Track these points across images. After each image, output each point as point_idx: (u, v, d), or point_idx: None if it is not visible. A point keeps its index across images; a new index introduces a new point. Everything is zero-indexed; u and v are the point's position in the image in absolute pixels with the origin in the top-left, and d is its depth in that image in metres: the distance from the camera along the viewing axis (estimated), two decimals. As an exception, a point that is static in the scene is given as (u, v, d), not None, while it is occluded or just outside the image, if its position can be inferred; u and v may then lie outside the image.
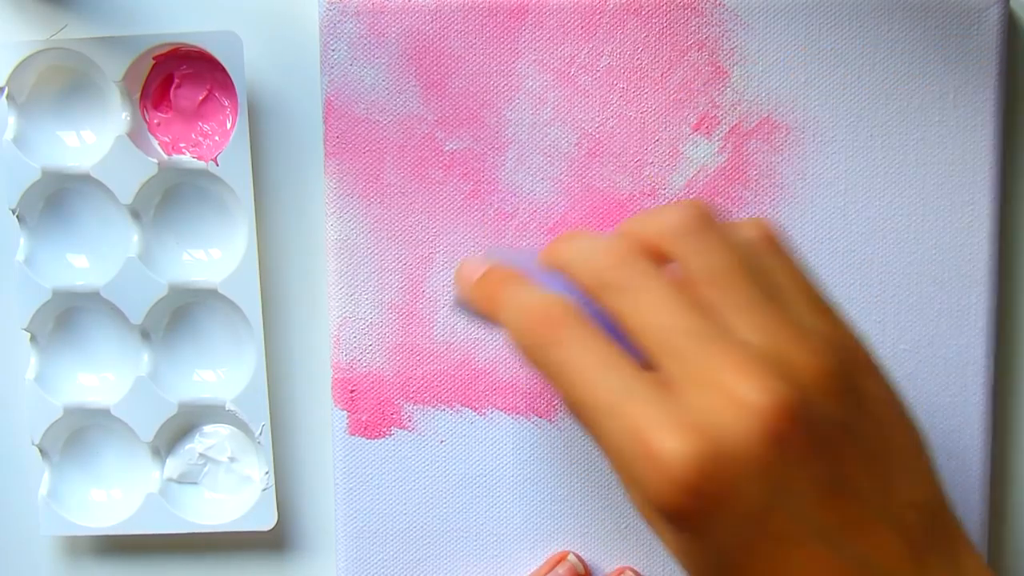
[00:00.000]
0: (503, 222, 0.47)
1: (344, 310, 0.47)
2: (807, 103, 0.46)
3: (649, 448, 0.30)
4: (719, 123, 0.46)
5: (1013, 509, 0.49)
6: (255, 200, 0.47)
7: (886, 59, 0.46)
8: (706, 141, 0.46)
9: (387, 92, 0.46)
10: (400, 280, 0.47)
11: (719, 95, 0.46)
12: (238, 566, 0.50)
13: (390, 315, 0.47)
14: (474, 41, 0.46)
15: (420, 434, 0.47)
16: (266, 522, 0.48)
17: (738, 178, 0.46)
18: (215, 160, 0.47)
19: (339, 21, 0.46)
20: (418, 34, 0.46)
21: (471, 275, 0.37)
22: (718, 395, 0.30)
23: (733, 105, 0.46)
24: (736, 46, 0.46)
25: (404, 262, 0.47)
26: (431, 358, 0.47)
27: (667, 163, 0.46)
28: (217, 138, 0.48)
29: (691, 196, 0.46)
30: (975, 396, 0.47)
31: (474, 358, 0.47)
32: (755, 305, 0.32)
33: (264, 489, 0.48)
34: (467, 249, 0.47)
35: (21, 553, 0.50)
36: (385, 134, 0.47)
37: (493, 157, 0.47)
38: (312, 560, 0.50)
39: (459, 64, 0.46)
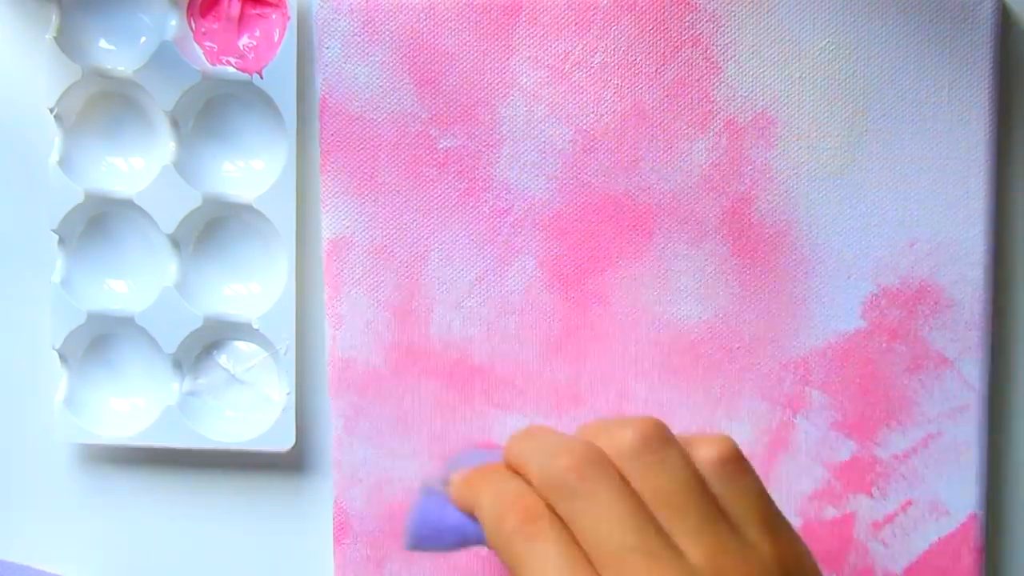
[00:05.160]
0: (498, 219, 0.47)
1: (340, 307, 0.47)
2: (801, 98, 0.46)
3: None
4: (713, 118, 0.46)
5: (1011, 507, 0.49)
6: (298, 116, 0.47)
7: (880, 54, 0.46)
8: (701, 136, 0.46)
9: (381, 90, 0.46)
10: (395, 278, 0.47)
11: (713, 90, 0.46)
12: (254, 485, 0.50)
13: (385, 313, 0.47)
14: (468, 38, 0.46)
15: (417, 432, 0.47)
16: (284, 443, 0.48)
17: (733, 173, 0.46)
18: (260, 73, 0.47)
19: (333, 19, 0.46)
20: (412, 31, 0.46)
21: (457, 479, 0.38)
22: None
23: (727, 100, 0.46)
24: (730, 42, 0.46)
25: (399, 259, 0.47)
26: (427, 356, 0.47)
27: (662, 159, 0.46)
28: (264, 51, 0.47)
29: (687, 191, 0.46)
30: (972, 391, 0.47)
31: (471, 355, 0.47)
32: (703, 528, 0.34)
33: (284, 409, 0.48)
34: (462, 246, 0.47)
35: (37, 459, 0.50)
36: (380, 132, 0.47)
37: (488, 154, 0.47)
38: (327, 483, 0.49)
39: (453, 61, 0.46)
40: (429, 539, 0.38)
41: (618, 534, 0.33)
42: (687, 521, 0.33)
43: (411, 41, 0.46)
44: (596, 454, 0.34)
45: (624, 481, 0.34)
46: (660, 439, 0.35)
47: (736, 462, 0.36)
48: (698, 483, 0.34)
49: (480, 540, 0.36)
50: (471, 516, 0.36)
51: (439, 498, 0.38)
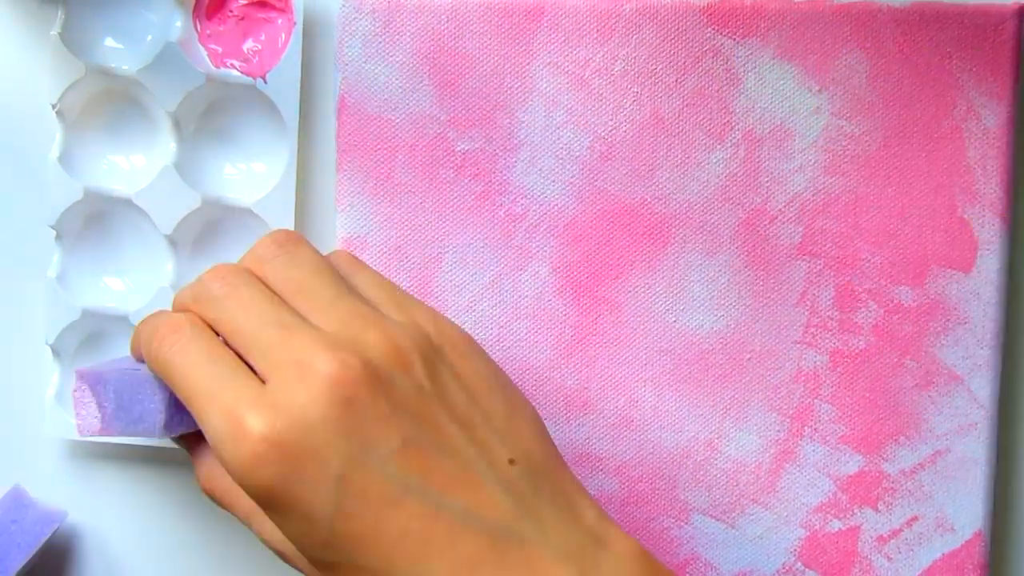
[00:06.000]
0: (513, 224, 0.47)
1: (352, 307, 0.47)
2: (819, 111, 0.46)
3: (238, 427, 0.33)
4: (732, 129, 0.46)
5: (1016, 526, 0.49)
6: (300, 122, 0.47)
7: (900, 69, 0.46)
8: (719, 146, 0.46)
9: (401, 91, 0.46)
10: (409, 279, 0.47)
11: (732, 101, 0.46)
12: None
13: (398, 314, 0.47)
14: (489, 42, 0.46)
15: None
16: None
17: (750, 184, 0.46)
18: (264, 77, 0.47)
19: (354, 19, 0.46)
20: (433, 33, 0.46)
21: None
22: (294, 373, 0.34)
23: (746, 111, 0.46)
24: (751, 53, 0.46)
25: (413, 261, 0.47)
26: (438, 357, 0.47)
27: (679, 168, 0.46)
28: (268, 56, 0.47)
29: (703, 201, 0.46)
30: (981, 409, 0.47)
31: (481, 358, 0.47)
32: (332, 303, 0.36)
33: None
34: (476, 249, 0.47)
35: (26, 454, 0.50)
36: (397, 132, 0.47)
37: (505, 158, 0.47)
38: None
39: (473, 64, 0.46)
40: (114, 417, 0.40)
41: (255, 317, 0.36)
42: (319, 299, 0.36)
43: (432, 43, 0.46)
44: (238, 267, 0.38)
45: (264, 282, 0.37)
46: (290, 239, 0.39)
47: (358, 260, 0.40)
48: (327, 268, 0.38)
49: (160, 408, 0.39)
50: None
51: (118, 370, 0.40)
